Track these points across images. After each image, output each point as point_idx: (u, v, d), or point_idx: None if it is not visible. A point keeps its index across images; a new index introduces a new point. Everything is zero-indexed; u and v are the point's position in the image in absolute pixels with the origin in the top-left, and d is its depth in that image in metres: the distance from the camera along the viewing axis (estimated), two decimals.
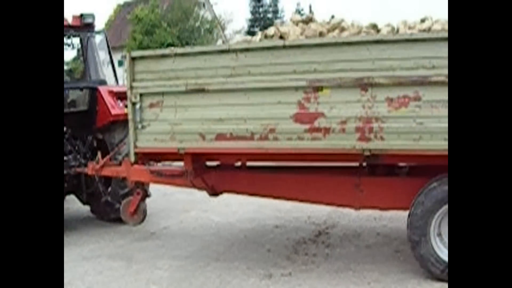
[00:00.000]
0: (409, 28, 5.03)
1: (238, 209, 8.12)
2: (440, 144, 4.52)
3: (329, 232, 6.75)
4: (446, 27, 4.86)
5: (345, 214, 7.18)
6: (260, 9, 50.39)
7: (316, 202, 5.63)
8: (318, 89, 4.75)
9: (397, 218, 6.46)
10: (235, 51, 5.01)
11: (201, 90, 5.08)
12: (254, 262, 5.69)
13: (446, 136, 4.45)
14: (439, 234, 4.93)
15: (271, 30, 5.35)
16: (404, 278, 5.06)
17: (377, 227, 6.83)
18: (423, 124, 4.54)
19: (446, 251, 4.88)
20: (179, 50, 5.27)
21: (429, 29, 4.91)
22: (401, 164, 5.76)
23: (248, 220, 7.49)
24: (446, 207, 4.78)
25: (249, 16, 50.39)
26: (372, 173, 5.53)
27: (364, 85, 4.63)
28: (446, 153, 4.46)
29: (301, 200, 5.68)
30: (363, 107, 4.66)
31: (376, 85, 4.61)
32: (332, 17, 5.45)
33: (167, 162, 6.32)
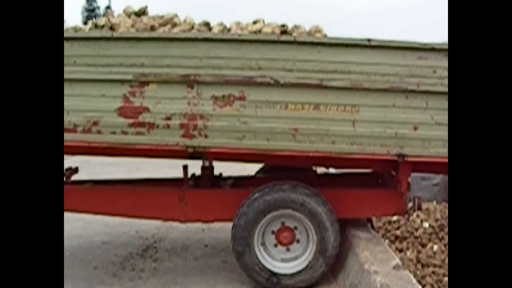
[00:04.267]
0: (241, 29, 5.18)
1: (64, 225, 7.49)
2: (262, 143, 4.66)
3: (157, 246, 6.59)
4: (276, 30, 5.07)
5: (174, 227, 7.07)
6: (94, 19, 48.78)
7: (142, 217, 5.40)
8: (145, 83, 4.69)
9: (225, 229, 6.36)
10: None
11: None
12: (80, 281, 5.39)
13: (269, 136, 4.64)
14: (263, 244, 5.04)
15: (102, 20, 5.24)
16: None
17: (205, 239, 6.83)
18: (247, 124, 4.66)
19: (270, 260, 5.01)
20: None
21: (259, 31, 5.09)
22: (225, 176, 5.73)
23: (74, 237, 7.04)
24: (268, 216, 4.92)
25: (82, 25, 48.53)
26: (196, 185, 5.40)
27: (190, 82, 4.65)
28: (268, 152, 4.69)
29: (127, 216, 5.37)
30: (189, 104, 4.68)
31: (203, 83, 4.65)
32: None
33: None
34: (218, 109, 4.65)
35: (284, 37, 4.67)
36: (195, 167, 5.71)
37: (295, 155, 4.69)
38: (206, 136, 4.68)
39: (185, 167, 5.43)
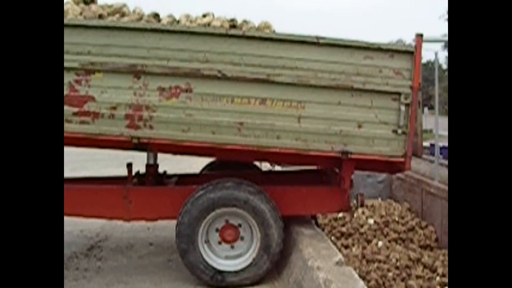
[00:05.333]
0: (191, 21, 5.20)
1: None
2: (207, 136, 4.69)
3: (101, 245, 6.54)
4: (226, 24, 5.11)
5: (119, 225, 7.01)
6: None
7: (86, 216, 5.28)
8: (91, 72, 4.66)
9: (171, 227, 6.29)
10: None
11: None
12: None
13: (214, 129, 4.66)
14: (207, 241, 5.04)
15: None
16: (175, 287, 5.06)
17: (150, 237, 6.82)
18: (192, 116, 4.68)
19: (214, 258, 5.01)
20: None
21: (208, 24, 5.11)
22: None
23: None
24: (212, 214, 4.92)
25: None
26: (140, 183, 5.31)
27: (137, 72, 4.66)
28: (213, 145, 4.70)
29: (71, 215, 5.24)
30: (135, 94, 4.68)
31: (149, 73, 4.66)
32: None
33: None
34: (164, 101, 4.66)
35: (233, 31, 4.73)
36: (140, 165, 5.64)
37: (240, 149, 4.73)
38: (151, 127, 4.67)
39: (129, 165, 5.37)
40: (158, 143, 4.78)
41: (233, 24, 5.11)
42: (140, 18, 5.09)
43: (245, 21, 5.16)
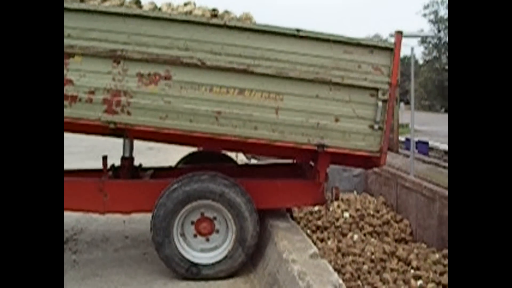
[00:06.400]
0: (172, 9, 5.19)
1: None
2: (185, 124, 4.70)
3: (77, 238, 6.50)
4: (207, 13, 5.11)
5: (94, 219, 7.01)
6: None
7: None
8: (70, 55, 4.65)
9: (146, 221, 6.26)
10: None
11: None
12: None
13: (192, 117, 4.67)
14: (182, 234, 5.04)
15: None
16: (151, 280, 5.06)
17: (126, 230, 6.80)
18: (171, 104, 4.69)
19: (189, 250, 5.02)
20: None
21: (190, 13, 5.10)
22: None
23: None
24: (188, 207, 4.93)
25: None
26: (116, 176, 5.27)
27: (116, 57, 4.66)
28: (190, 133, 4.71)
29: None
30: (113, 79, 4.68)
31: (129, 59, 4.67)
32: None
33: None
34: (143, 87, 4.66)
35: (214, 20, 4.76)
36: (115, 158, 5.59)
37: (217, 138, 4.75)
38: (128, 113, 4.67)
39: (104, 158, 5.34)
40: (135, 129, 4.78)
41: (214, 14, 5.14)
42: (122, 4, 5.08)
43: (226, 12, 5.19)
